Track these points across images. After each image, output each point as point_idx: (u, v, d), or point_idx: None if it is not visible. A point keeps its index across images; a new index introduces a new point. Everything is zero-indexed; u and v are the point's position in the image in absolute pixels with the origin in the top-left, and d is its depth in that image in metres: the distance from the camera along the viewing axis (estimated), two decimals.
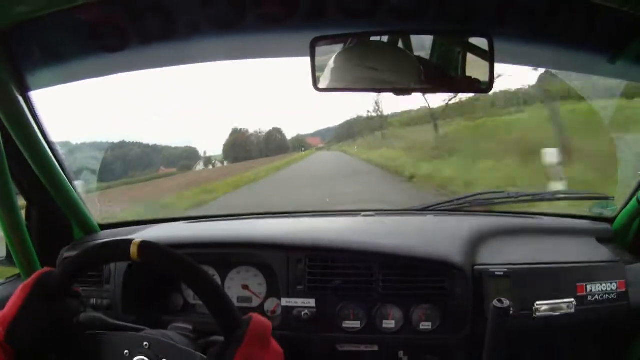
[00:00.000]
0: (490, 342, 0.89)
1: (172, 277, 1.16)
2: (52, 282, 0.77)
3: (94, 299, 1.15)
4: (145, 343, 0.75)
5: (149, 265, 0.77)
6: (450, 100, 5.62)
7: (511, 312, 0.98)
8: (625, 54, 0.91)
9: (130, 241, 0.74)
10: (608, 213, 1.32)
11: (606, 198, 1.36)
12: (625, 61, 0.93)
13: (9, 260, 1.21)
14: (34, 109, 1.08)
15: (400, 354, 1.05)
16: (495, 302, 0.87)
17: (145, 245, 0.74)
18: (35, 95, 1.08)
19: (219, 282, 1.16)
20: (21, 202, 1.20)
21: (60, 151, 1.20)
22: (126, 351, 0.75)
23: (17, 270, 1.20)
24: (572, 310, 1.03)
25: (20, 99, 1.01)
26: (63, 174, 1.19)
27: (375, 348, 1.05)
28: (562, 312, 1.03)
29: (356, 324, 1.04)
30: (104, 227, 1.38)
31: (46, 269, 0.80)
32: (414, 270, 1.04)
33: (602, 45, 0.89)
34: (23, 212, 1.20)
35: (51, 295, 0.77)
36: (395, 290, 1.04)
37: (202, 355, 0.75)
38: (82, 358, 0.78)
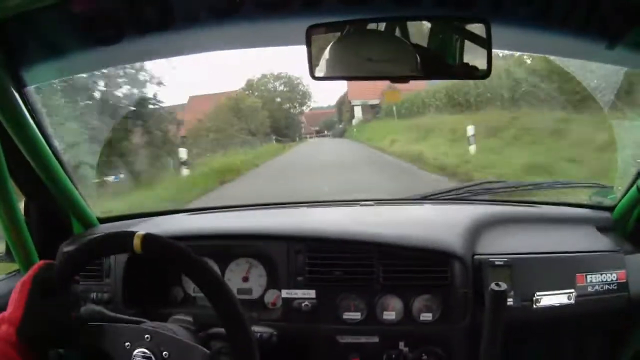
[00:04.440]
0: (488, 326, 0.89)
1: (172, 269, 1.16)
2: (52, 276, 0.77)
3: (94, 293, 1.15)
4: (146, 335, 0.75)
5: (151, 257, 0.78)
6: None
7: (512, 303, 0.99)
8: (624, 41, 0.90)
9: (133, 233, 0.75)
10: (608, 201, 1.32)
11: (606, 186, 1.36)
12: (624, 48, 0.92)
13: (8, 255, 1.22)
14: (30, 103, 1.07)
15: (401, 344, 1.05)
16: (492, 285, 0.87)
17: (148, 237, 0.74)
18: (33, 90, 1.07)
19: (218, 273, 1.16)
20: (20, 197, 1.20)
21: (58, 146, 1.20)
22: (127, 343, 0.75)
23: (16, 266, 1.20)
24: (572, 302, 1.04)
25: (16, 93, 1.00)
26: (61, 168, 1.18)
27: (376, 339, 1.05)
28: (563, 303, 1.03)
29: (356, 315, 1.04)
30: (103, 220, 1.38)
31: (43, 262, 0.80)
32: (414, 260, 1.04)
33: (601, 32, 0.88)
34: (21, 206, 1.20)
35: (52, 289, 0.76)
36: (395, 280, 1.03)
37: (203, 348, 0.75)
38: (83, 350, 0.78)
